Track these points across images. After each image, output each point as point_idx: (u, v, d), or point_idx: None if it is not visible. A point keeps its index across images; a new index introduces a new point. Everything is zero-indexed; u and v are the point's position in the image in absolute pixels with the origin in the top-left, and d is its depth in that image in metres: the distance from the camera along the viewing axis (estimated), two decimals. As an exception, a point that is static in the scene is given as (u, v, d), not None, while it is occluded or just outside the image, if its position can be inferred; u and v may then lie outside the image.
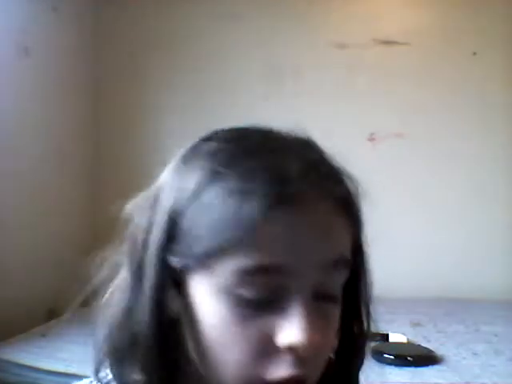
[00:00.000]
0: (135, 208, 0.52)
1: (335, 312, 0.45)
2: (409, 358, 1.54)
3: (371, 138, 2.65)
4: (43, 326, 1.96)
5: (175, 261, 0.43)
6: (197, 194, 0.44)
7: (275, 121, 2.46)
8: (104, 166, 2.84)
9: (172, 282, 0.44)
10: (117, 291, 0.47)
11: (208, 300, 0.42)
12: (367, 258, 0.56)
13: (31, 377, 1.50)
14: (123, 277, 0.47)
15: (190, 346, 0.44)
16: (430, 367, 1.51)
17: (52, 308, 2.25)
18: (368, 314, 0.57)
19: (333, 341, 0.46)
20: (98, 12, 2.82)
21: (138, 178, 2.78)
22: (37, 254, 2.29)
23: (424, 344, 1.71)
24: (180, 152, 0.53)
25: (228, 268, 0.40)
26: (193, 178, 0.46)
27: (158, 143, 2.83)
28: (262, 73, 2.71)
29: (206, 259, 0.41)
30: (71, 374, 1.48)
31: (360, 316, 0.55)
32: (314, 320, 0.40)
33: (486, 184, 2.57)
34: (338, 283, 0.45)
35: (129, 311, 0.44)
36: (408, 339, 1.75)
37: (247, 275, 0.40)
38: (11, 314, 1.99)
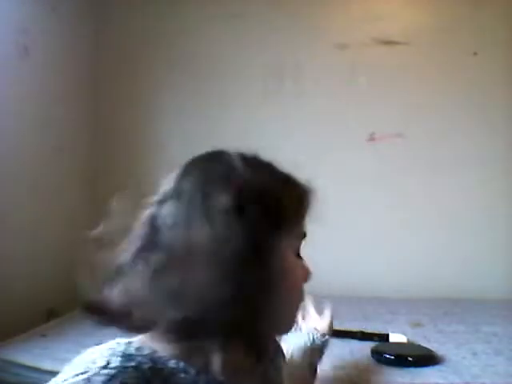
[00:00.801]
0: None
1: None
2: (409, 359, 1.54)
3: (371, 138, 2.65)
4: (43, 326, 1.96)
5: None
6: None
7: (275, 121, 2.49)
8: (104, 167, 2.84)
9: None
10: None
11: (287, 255, 0.69)
12: None
13: (31, 377, 1.50)
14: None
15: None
16: (431, 367, 1.51)
17: (52, 308, 2.25)
18: None
19: None
20: (97, 12, 2.82)
21: (138, 178, 2.79)
22: (37, 254, 2.29)
23: (424, 344, 1.71)
24: None
25: (295, 236, 0.73)
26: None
27: (158, 143, 2.83)
28: (262, 73, 2.71)
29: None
30: (71, 373, 1.48)
31: None
32: None
33: (487, 184, 2.57)
34: None
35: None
36: (408, 339, 1.75)
37: (300, 239, 0.75)
38: (11, 314, 1.99)
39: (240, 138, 2.77)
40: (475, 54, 2.57)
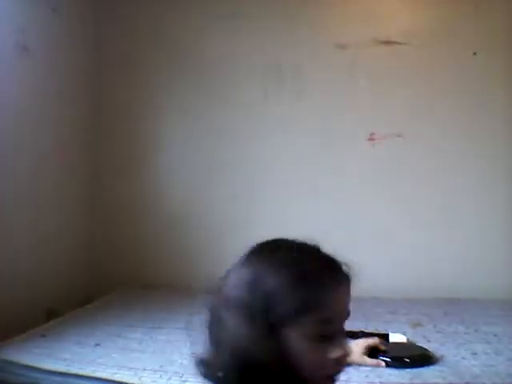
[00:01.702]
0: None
1: None
2: (405, 359, 1.54)
3: (371, 138, 2.65)
4: (43, 325, 1.96)
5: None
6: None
7: (275, 120, 2.49)
8: (104, 166, 2.84)
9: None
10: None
11: (299, 340, 0.74)
12: None
13: (31, 377, 1.50)
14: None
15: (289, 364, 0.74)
16: (427, 368, 1.51)
17: (52, 308, 2.25)
18: None
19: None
20: (97, 12, 2.82)
21: (138, 178, 2.81)
22: (37, 254, 2.29)
23: (424, 344, 1.71)
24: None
25: (310, 320, 0.74)
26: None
27: (158, 143, 2.83)
28: (262, 73, 2.71)
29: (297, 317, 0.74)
30: (71, 373, 1.48)
31: None
32: (345, 346, 0.77)
33: (486, 184, 2.57)
34: None
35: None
36: (408, 339, 1.75)
37: (322, 323, 0.75)
38: (11, 314, 1.99)
39: (240, 138, 2.78)
40: (475, 54, 2.57)
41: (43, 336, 1.81)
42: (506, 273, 2.52)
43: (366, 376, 1.47)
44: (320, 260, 0.85)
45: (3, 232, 2.10)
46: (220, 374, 0.74)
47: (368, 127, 2.65)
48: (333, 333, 0.76)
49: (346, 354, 0.76)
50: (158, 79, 2.80)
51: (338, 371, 0.77)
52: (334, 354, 0.75)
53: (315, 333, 0.74)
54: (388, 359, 1.53)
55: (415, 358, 1.56)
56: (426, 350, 1.62)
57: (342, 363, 0.77)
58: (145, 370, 1.49)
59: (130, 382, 1.42)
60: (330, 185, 2.66)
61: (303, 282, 0.77)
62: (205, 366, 0.77)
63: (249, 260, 0.83)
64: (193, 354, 0.79)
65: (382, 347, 1.57)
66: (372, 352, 1.57)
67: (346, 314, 0.81)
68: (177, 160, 2.81)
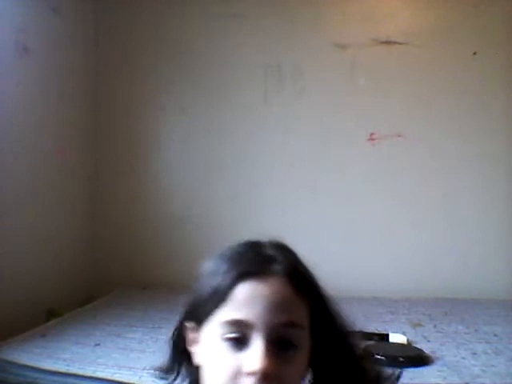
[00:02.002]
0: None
1: (297, 356, 0.64)
2: (400, 359, 1.54)
3: (371, 138, 2.65)
4: (43, 325, 1.96)
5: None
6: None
7: (275, 120, 2.49)
8: (104, 166, 2.84)
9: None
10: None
11: (208, 342, 0.66)
12: (330, 320, 0.74)
13: (31, 377, 1.50)
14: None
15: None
16: (428, 368, 1.51)
17: (52, 308, 2.25)
18: (351, 356, 0.73)
19: (294, 377, 0.64)
20: (97, 12, 2.82)
21: (137, 179, 2.81)
22: (37, 254, 2.29)
23: (424, 344, 1.71)
24: None
25: (217, 321, 0.65)
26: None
27: (157, 143, 2.83)
28: (262, 73, 2.71)
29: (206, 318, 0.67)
30: (71, 373, 1.48)
31: (335, 359, 0.71)
32: (270, 357, 0.60)
33: (486, 184, 2.57)
34: (297, 337, 0.64)
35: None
36: (408, 339, 1.75)
37: (227, 325, 0.63)
38: (11, 314, 1.99)
39: (240, 137, 2.78)
40: (475, 53, 2.57)
41: (43, 336, 1.81)
42: (506, 273, 2.52)
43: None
44: (246, 255, 0.70)
45: (3, 232, 2.10)
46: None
47: (368, 127, 2.65)
48: (248, 339, 0.62)
49: (264, 370, 0.59)
50: (158, 79, 2.80)
51: None
52: (246, 366, 0.60)
53: (223, 333, 0.63)
54: (383, 358, 1.52)
55: (410, 358, 1.56)
56: (421, 350, 1.62)
57: (257, 381, 0.60)
58: (145, 369, 1.49)
59: (130, 382, 1.42)
60: (330, 185, 2.66)
61: (217, 273, 0.68)
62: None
63: None
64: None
65: None
66: (368, 352, 1.57)
67: (278, 322, 0.63)
68: (176, 160, 2.81)
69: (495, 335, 1.82)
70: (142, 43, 2.82)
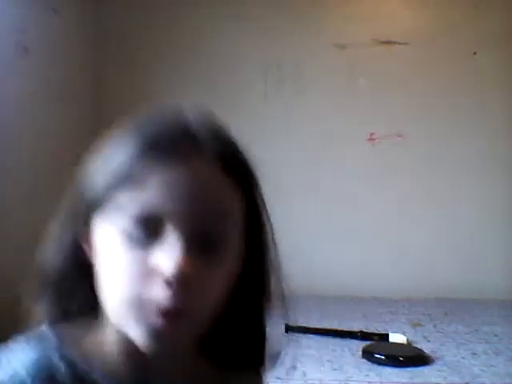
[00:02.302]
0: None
1: (225, 257, 0.51)
2: (400, 358, 1.55)
3: (371, 138, 2.65)
4: (43, 325, 1.95)
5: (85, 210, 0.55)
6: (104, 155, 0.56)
7: (275, 120, 2.49)
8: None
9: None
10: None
11: (108, 240, 0.51)
12: (267, 222, 0.60)
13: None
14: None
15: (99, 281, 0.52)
16: (428, 367, 1.51)
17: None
18: (277, 274, 0.62)
19: (218, 283, 0.51)
20: (98, 12, 2.82)
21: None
22: (37, 254, 2.29)
23: (424, 344, 1.71)
24: None
25: (122, 213, 0.49)
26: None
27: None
28: (262, 73, 2.71)
29: (104, 204, 0.52)
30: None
31: (263, 274, 0.59)
32: (190, 258, 0.47)
33: (486, 183, 2.57)
34: (226, 233, 0.51)
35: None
36: (408, 339, 1.75)
37: (135, 219, 0.48)
38: (11, 315, 1.99)
39: (240, 137, 2.78)
40: (475, 53, 2.57)
41: (43, 336, 1.81)
42: (506, 273, 2.52)
43: (366, 375, 1.47)
44: (160, 128, 0.53)
45: (3, 232, 2.10)
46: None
47: (368, 127, 2.65)
48: (161, 236, 0.48)
49: (181, 274, 0.46)
50: (159, 79, 2.80)
51: (167, 300, 0.46)
52: (159, 269, 0.46)
53: (130, 230, 0.48)
54: (382, 357, 1.53)
55: (409, 357, 1.56)
56: (421, 350, 1.63)
57: (171, 289, 0.46)
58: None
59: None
60: (330, 185, 2.66)
61: (120, 153, 0.52)
62: None
63: None
64: None
65: None
66: (367, 351, 1.57)
67: (200, 213, 0.49)
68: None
69: (495, 335, 1.82)
70: (142, 43, 2.82)
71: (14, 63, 2.19)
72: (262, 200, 0.61)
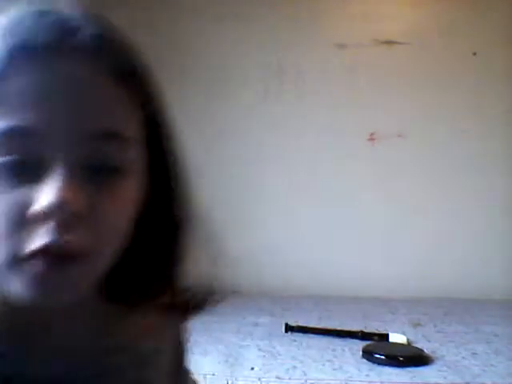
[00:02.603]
0: None
1: (125, 183, 0.41)
2: (400, 358, 1.55)
3: (371, 138, 2.65)
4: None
5: None
6: None
7: (275, 120, 2.48)
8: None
9: None
10: None
11: None
12: (168, 137, 0.51)
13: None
14: None
15: None
16: (428, 367, 1.52)
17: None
18: (182, 197, 0.52)
19: (120, 212, 0.42)
20: (97, 12, 2.82)
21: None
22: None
23: (424, 344, 1.71)
24: None
25: None
26: None
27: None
28: (262, 73, 2.71)
29: None
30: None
31: (170, 200, 0.50)
32: (76, 186, 0.37)
33: (486, 184, 2.57)
34: (121, 155, 0.41)
35: None
36: (408, 339, 1.75)
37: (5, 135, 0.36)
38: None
39: (240, 137, 2.78)
40: (475, 54, 2.57)
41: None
42: (506, 273, 2.52)
43: (367, 375, 1.47)
44: (30, 21, 0.40)
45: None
46: None
47: (368, 127, 2.65)
48: (38, 162, 0.37)
49: (66, 205, 0.36)
50: (158, 79, 2.80)
51: (49, 242, 0.36)
52: (38, 203, 0.36)
53: None
54: (382, 357, 1.53)
55: (409, 357, 1.56)
56: (421, 350, 1.63)
57: (56, 224, 0.36)
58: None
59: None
60: (330, 185, 2.66)
61: None
62: None
63: None
64: None
65: None
66: (367, 351, 1.57)
67: (86, 130, 0.39)
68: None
69: (495, 335, 1.82)
70: (141, 43, 2.82)
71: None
72: (164, 117, 0.50)
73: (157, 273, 0.50)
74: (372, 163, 2.65)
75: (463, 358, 1.60)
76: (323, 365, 1.47)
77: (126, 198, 0.42)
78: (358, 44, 2.65)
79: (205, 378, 1.44)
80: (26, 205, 0.37)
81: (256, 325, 2.00)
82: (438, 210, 2.61)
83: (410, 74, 2.63)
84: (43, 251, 0.36)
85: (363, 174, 2.65)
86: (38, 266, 0.37)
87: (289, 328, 1.85)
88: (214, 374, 1.47)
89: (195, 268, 0.55)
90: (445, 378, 1.43)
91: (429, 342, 1.76)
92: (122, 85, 0.42)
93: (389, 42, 2.64)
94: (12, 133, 0.36)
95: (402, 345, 1.71)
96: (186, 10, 2.77)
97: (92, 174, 0.39)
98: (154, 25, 2.81)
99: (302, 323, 1.90)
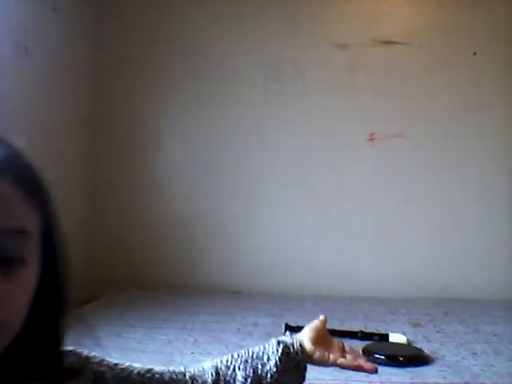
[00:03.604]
0: None
1: (24, 273, 0.52)
2: (400, 358, 1.54)
3: (371, 138, 2.65)
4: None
5: None
6: None
7: (275, 120, 2.50)
8: (104, 166, 2.84)
9: None
10: None
11: None
12: (58, 234, 0.61)
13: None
14: None
15: None
16: (428, 367, 1.51)
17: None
18: (64, 280, 0.63)
19: (21, 296, 0.52)
20: (97, 12, 2.82)
21: (137, 179, 2.81)
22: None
23: (424, 344, 1.71)
24: None
25: None
26: None
27: (157, 143, 2.83)
28: (262, 73, 2.71)
29: None
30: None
31: (56, 281, 0.61)
32: None
33: (486, 184, 2.57)
34: (23, 247, 0.52)
35: None
36: (408, 339, 1.75)
37: None
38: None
39: (240, 137, 2.78)
40: (475, 53, 2.57)
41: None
42: (506, 273, 2.52)
43: (366, 375, 1.46)
44: None
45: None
46: None
47: (368, 127, 2.65)
48: None
49: None
50: (158, 79, 2.80)
51: None
52: None
53: None
54: (382, 357, 1.53)
55: (409, 357, 1.57)
56: (421, 350, 1.63)
57: None
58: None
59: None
60: (330, 185, 2.66)
61: None
62: None
63: None
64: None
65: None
66: (367, 351, 1.57)
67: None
68: (177, 160, 2.81)
69: (495, 335, 1.82)
70: (142, 43, 2.82)
71: (14, 63, 2.19)
72: (56, 215, 0.60)
73: (46, 349, 0.61)
74: (372, 163, 2.65)
75: (463, 358, 1.60)
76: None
77: (28, 284, 0.53)
78: (358, 44, 2.65)
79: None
80: None
81: (256, 325, 2.00)
82: (438, 209, 2.61)
83: (410, 73, 2.63)
84: None
85: (363, 174, 2.65)
86: None
87: (289, 328, 1.85)
88: (213, 374, 1.46)
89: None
90: (445, 377, 1.43)
91: (429, 342, 1.76)
92: (25, 193, 0.52)
93: (388, 42, 2.64)
94: None
95: (401, 345, 1.71)
96: (185, 10, 2.77)
97: (2, 264, 0.49)
98: (153, 25, 2.81)
99: (301, 323, 1.90)
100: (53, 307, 0.61)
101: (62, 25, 2.53)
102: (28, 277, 0.53)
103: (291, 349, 0.83)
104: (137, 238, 2.79)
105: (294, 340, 0.84)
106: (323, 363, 0.87)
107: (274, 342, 0.84)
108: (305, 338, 0.86)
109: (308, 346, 0.84)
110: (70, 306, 0.64)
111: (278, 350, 0.82)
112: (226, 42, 2.75)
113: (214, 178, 2.77)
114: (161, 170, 2.82)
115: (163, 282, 2.63)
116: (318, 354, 0.85)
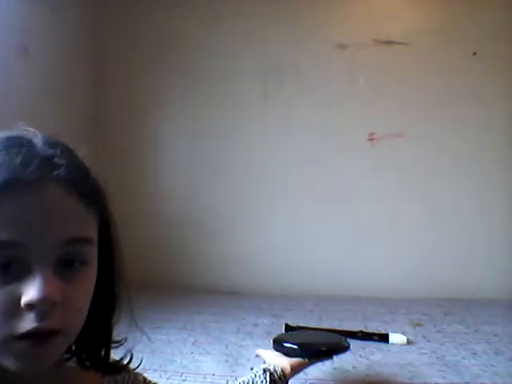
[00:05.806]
0: None
1: (85, 273, 0.55)
2: (323, 349, 1.30)
3: (371, 138, 2.65)
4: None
5: None
6: None
7: (275, 120, 2.50)
8: (104, 166, 2.83)
9: None
10: None
11: None
12: (114, 233, 0.64)
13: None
14: None
15: None
16: (428, 367, 1.51)
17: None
18: (118, 277, 0.67)
19: (84, 296, 0.56)
20: (97, 12, 2.82)
21: (138, 179, 2.81)
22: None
23: (424, 344, 1.71)
24: None
25: None
26: None
27: (157, 143, 2.83)
28: (262, 73, 2.71)
29: None
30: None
31: (112, 278, 0.65)
32: (53, 281, 0.50)
33: (486, 184, 2.57)
34: (85, 252, 0.55)
35: None
36: (408, 339, 1.75)
37: None
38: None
39: (240, 137, 2.78)
40: (475, 53, 2.57)
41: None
42: (506, 273, 2.52)
43: (367, 375, 1.47)
44: (9, 156, 0.54)
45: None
46: None
47: (368, 127, 2.65)
48: (23, 264, 0.50)
49: (47, 298, 0.49)
50: (158, 79, 2.80)
51: (36, 327, 0.49)
52: (25, 297, 0.49)
53: None
54: (296, 347, 1.26)
55: (332, 346, 1.33)
56: (339, 337, 1.40)
57: (40, 313, 0.49)
58: (144, 369, 1.49)
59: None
60: (330, 185, 2.67)
61: None
62: None
63: None
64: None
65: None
66: (276, 341, 1.33)
67: (61, 239, 0.52)
68: (177, 160, 2.81)
69: (495, 335, 1.82)
70: (142, 43, 2.82)
71: (14, 63, 2.19)
72: (112, 216, 0.63)
73: (103, 339, 0.65)
74: (372, 163, 2.65)
75: (463, 358, 1.60)
76: (323, 364, 1.47)
77: (89, 285, 0.56)
78: (358, 44, 2.65)
79: (205, 378, 1.44)
80: (16, 297, 0.49)
81: (256, 325, 2.00)
82: (438, 209, 2.61)
83: (410, 73, 2.63)
84: (31, 333, 0.50)
85: (363, 174, 2.65)
86: (27, 343, 0.50)
87: (289, 328, 1.85)
88: (213, 374, 1.47)
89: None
90: (444, 377, 1.43)
91: (429, 341, 1.76)
92: (85, 202, 0.55)
93: (388, 42, 2.64)
94: (4, 244, 0.49)
95: (320, 333, 1.61)
96: (185, 10, 2.77)
97: (64, 269, 0.52)
98: (153, 25, 2.81)
99: (301, 323, 1.90)
100: (107, 304, 0.64)
101: (61, 25, 2.53)
102: (89, 277, 0.57)
103: (275, 375, 1.06)
104: (137, 238, 2.79)
105: (275, 366, 1.10)
106: (300, 369, 1.17)
107: (260, 371, 1.06)
108: (280, 361, 1.14)
109: (286, 365, 1.11)
110: (121, 302, 0.67)
111: (266, 379, 1.05)
112: (226, 41, 2.75)
113: (214, 177, 2.77)
114: (161, 169, 2.82)
115: (163, 281, 2.63)
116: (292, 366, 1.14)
